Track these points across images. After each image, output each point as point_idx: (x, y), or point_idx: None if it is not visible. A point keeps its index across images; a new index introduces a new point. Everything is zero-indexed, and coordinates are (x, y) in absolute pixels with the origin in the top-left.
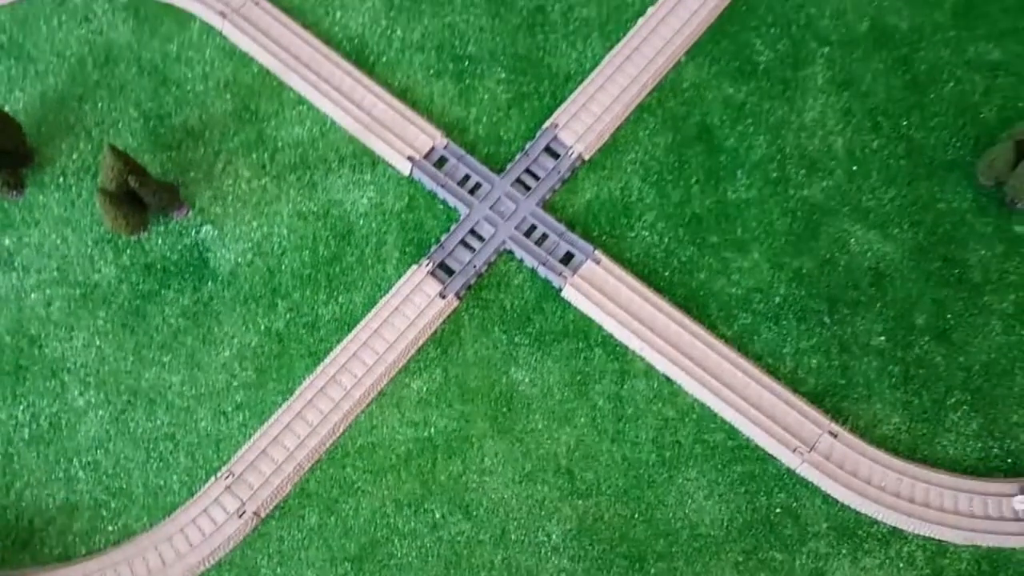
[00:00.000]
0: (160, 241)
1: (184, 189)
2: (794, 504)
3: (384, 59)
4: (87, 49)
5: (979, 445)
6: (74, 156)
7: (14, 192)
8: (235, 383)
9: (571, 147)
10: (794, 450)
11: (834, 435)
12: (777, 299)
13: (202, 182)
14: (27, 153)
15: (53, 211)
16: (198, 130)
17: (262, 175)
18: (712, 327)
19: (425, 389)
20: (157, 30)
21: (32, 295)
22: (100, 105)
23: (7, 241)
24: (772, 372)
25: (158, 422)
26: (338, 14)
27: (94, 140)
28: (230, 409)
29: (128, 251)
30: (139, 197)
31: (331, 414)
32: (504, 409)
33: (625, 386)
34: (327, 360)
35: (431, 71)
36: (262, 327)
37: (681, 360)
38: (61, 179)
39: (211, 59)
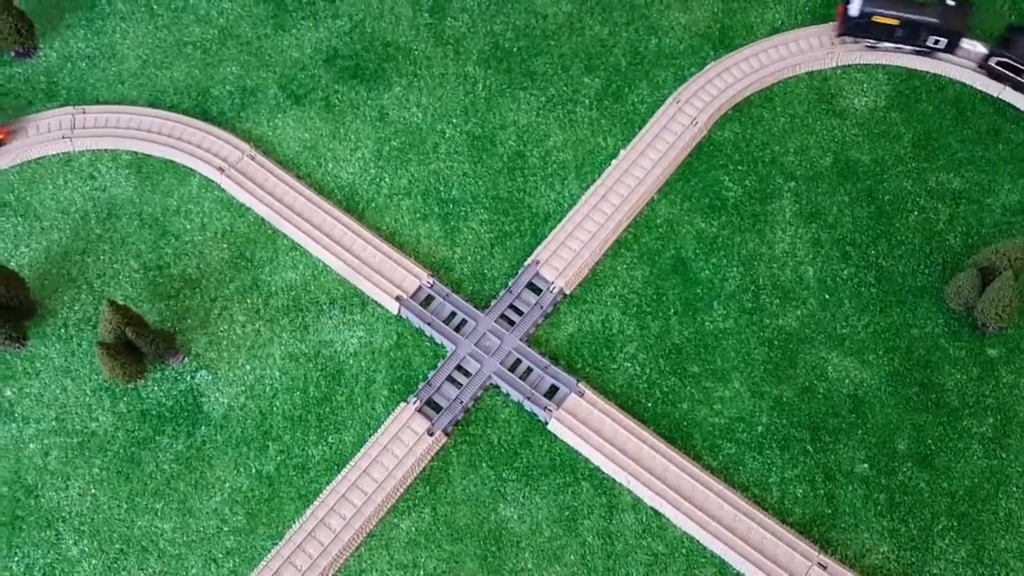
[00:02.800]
0: (156, 388)
1: (181, 336)
2: None
3: (373, 205)
4: (91, 205)
5: (969, 573)
6: (76, 308)
7: (17, 345)
8: (226, 528)
9: (553, 282)
10: None
11: (823, 567)
12: (760, 428)
13: (198, 328)
14: (30, 306)
15: (54, 362)
16: (195, 278)
17: (256, 319)
18: (697, 458)
19: (414, 529)
20: (158, 185)
21: (31, 445)
22: (102, 258)
23: (8, 392)
24: (759, 503)
25: (149, 571)
26: (330, 165)
27: (95, 292)
28: (220, 555)
29: (125, 398)
30: (136, 347)
31: (319, 559)
32: (493, 548)
33: (614, 521)
34: (316, 503)
35: (418, 214)
36: (253, 470)
37: (668, 493)
38: (62, 330)
39: (209, 211)
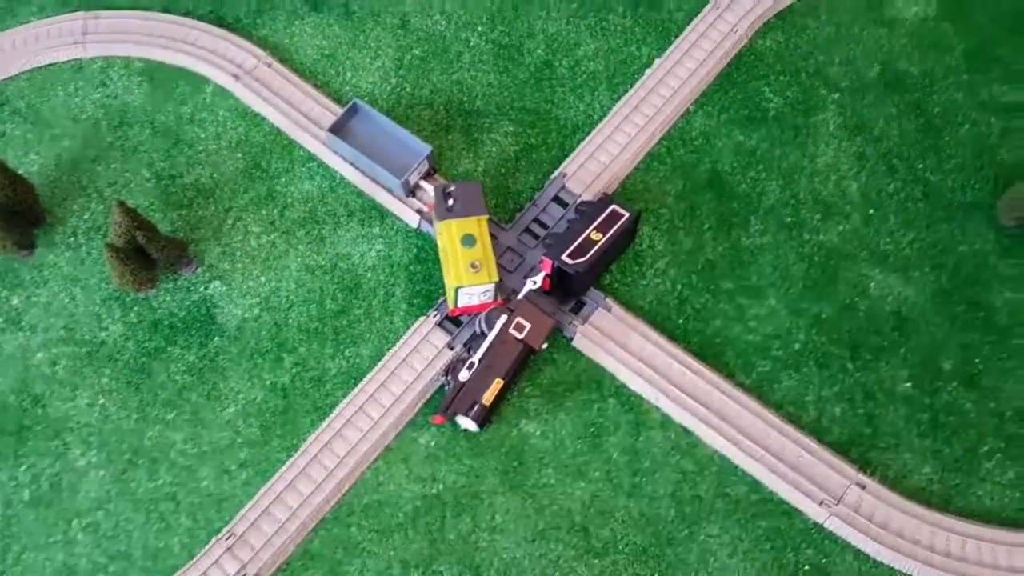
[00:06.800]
0: (168, 298)
1: (194, 246)
2: (823, 560)
3: (393, 116)
4: (102, 113)
5: (1017, 495)
6: (85, 216)
7: (24, 252)
8: (239, 440)
9: (580, 196)
10: (820, 503)
11: (862, 487)
12: (797, 346)
13: (212, 239)
14: (39, 214)
15: (62, 270)
16: (209, 188)
17: (271, 231)
18: (730, 375)
19: (433, 444)
20: (171, 93)
21: (38, 354)
22: (113, 166)
23: (15, 300)
24: (795, 421)
25: (160, 482)
26: (348, 74)
27: (106, 200)
28: (233, 467)
29: (136, 308)
30: (147, 253)
31: (336, 470)
32: (515, 463)
33: (641, 438)
34: (333, 415)
35: (440, 126)
36: (268, 382)
37: (699, 410)
38: (72, 239)
39: (223, 120)
